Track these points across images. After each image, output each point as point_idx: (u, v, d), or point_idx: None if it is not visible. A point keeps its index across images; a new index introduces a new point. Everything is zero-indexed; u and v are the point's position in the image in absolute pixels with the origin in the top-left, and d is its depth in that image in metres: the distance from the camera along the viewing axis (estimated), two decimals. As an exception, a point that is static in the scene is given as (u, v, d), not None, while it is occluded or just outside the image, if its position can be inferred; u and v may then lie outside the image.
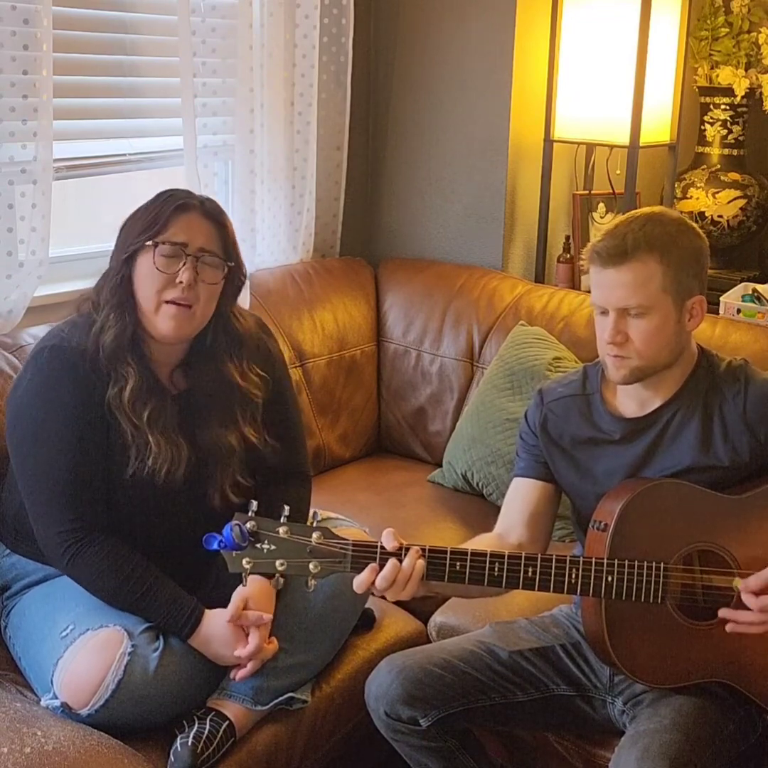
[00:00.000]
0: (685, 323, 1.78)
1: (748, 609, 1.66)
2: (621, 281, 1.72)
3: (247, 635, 1.85)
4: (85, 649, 1.78)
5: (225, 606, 1.86)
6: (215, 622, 1.85)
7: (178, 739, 1.78)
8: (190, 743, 1.76)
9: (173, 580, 1.88)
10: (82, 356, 1.86)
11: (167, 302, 1.85)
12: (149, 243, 1.84)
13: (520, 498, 1.93)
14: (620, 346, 1.74)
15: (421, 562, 1.64)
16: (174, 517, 1.94)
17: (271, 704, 1.89)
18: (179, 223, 1.85)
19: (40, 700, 1.81)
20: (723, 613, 1.69)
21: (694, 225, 1.81)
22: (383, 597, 1.65)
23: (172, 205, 1.86)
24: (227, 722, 1.83)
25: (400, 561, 1.63)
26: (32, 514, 1.89)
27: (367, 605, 2.13)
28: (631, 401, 1.84)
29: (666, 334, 1.76)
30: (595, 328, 2.80)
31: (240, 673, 1.86)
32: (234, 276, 1.95)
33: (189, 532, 1.84)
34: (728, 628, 1.69)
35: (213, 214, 1.91)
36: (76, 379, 1.85)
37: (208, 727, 1.80)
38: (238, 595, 1.85)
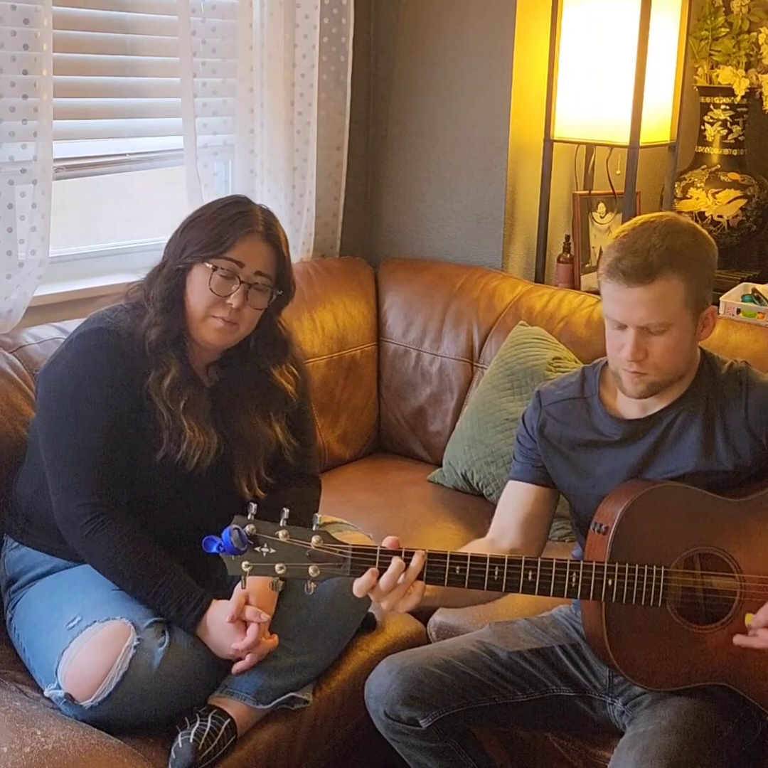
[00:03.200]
0: (699, 334, 1.77)
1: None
2: (645, 300, 1.68)
3: (246, 629, 1.85)
4: (91, 641, 1.79)
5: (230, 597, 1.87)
6: (217, 613, 1.86)
7: (180, 735, 1.78)
8: (191, 739, 1.76)
9: (185, 568, 1.89)
10: (127, 340, 1.91)
11: (214, 316, 1.92)
12: (208, 265, 1.89)
13: (515, 501, 1.93)
14: (640, 362, 1.72)
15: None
16: (195, 504, 1.96)
17: (273, 703, 1.90)
18: (241, 246, 1.90)
19: (43, 691, 1.82)
20: (738, 640, 1.70)
21: (705, 231, 1.78)
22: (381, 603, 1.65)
23: (238, 228, 1.91)
24: (229, 720, 1.83)
25: (404, 561, 1.62)
26: (55, 486, 1.91)
27: (369, 609, 2.13)
28: (632, 404, 1.83)
29: (684, 348, 1.75)
30: (592, 329, 2.80)
31: (238, 666, 1.86)
32: (284, 295, 2.01)
33: (207, 520, 1.84)
34: (743, 643, 1.71)
35: (274, 240, 1.95)
36: (117, 362, 1.90)
37: (209, 724, 1.80)
38: (239, 591, 1.86)
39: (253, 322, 1.98)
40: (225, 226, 1.91)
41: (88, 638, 1.80)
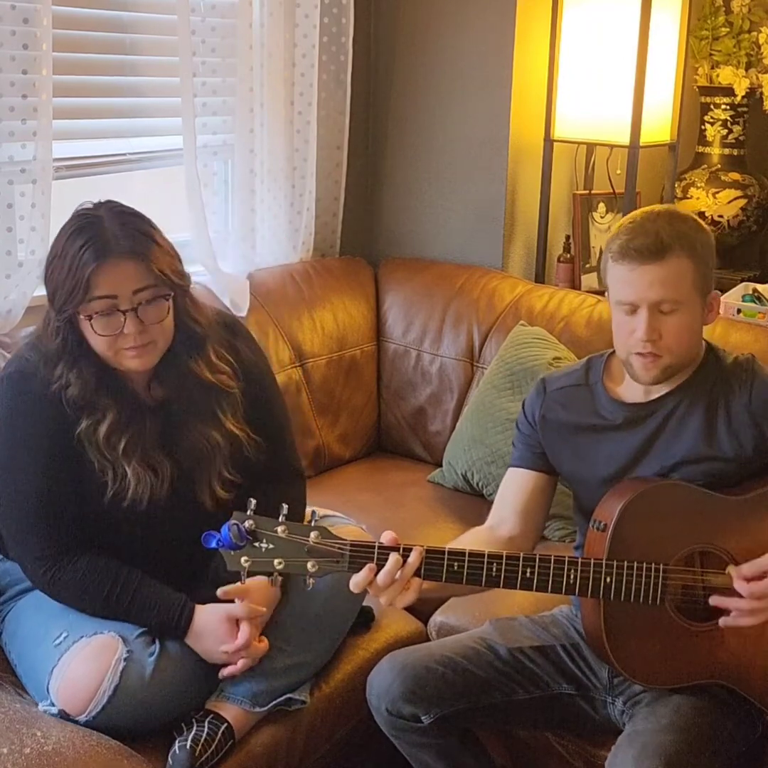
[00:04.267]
0: (705, 318, 1.80)
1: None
2: (659, 277, 1.71)
3: (237, 633, 1.84)
4: (79, 657, 1.78)
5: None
6: (206, 617, 1.84)
7: (177, 742, 1.77)
8: (188, 746, 1.75)
9: (165, 584, 1.86)
10: (47, 385, 1.81)
11: (124, 349, 1.79)
12: (82, 316, 1.76)
13: (514, 488, 1.94)
14: (654, 343, 1.74)
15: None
16: (162, 528, 1.91)
17: (270, 705, 1.89)
18: (101, 277, 1.74)
19: (37, 705, 1.81)
20: (713, 600, 1.69)
21: (703, 222, 1.84)
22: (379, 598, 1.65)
23: (89, 262, 1.73)
24: (226, 724, 1.83)
25: (402, 557, 1.62)
26: (7, 541, 1.89)
27: (366, 603, 2.12)
28: (635, 389, 1.84)
29: (694, 329, 1.78)
30: (592, 329, 2.80)
31: (228, 670, 1.85)
32: (178, 293, 1.85)
33: (180, 537, 1.84)
34: (721, 622, 1.69)
35: (132, 253, 1.76)
36: (42, 409, 1.81)
37: (206, 729, 1.80)
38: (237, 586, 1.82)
39: (168, 331, 1.83)
40: (77, 266, 1.73)
41: (77, 654, 1.78)
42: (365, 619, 2.14)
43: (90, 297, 1.74)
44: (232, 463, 1.94)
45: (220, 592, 1.80)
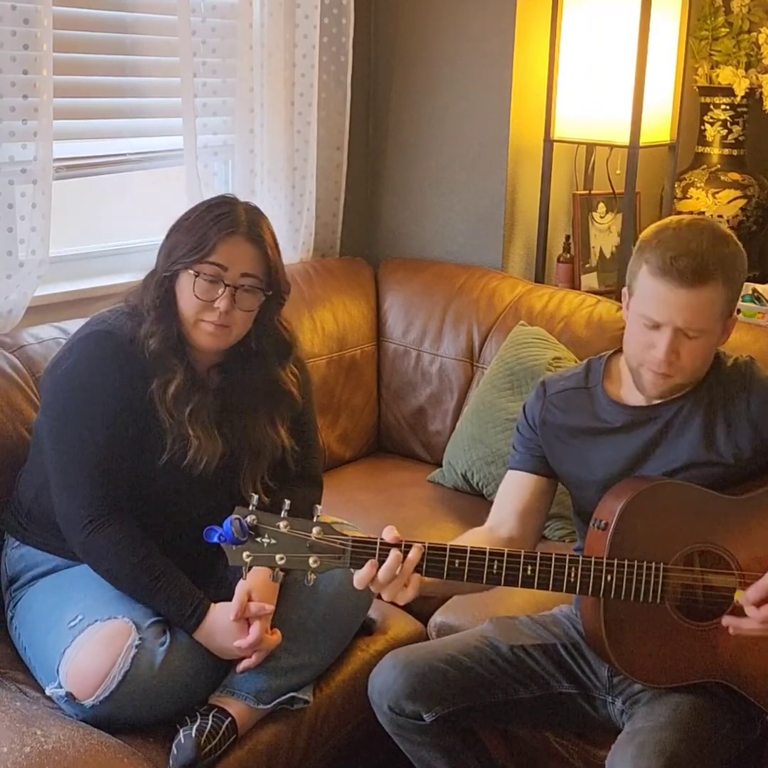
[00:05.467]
0: (720, 339, 1.78)
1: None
2: (692, 303, 1.68)
3: (249, 627, 1.86)
4: (92, 640, 1.79)
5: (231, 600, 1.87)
6: (219, 616, 1.86)
7: (181, 731, 1.78)
8: (193, 735, 1.77)
9: (185, 571, 1.89)
10: (129, 344, 1.91)
11: (204, 321, 1.91)
12: (191, 272, 1.88)
13: (514, 491, 1.94)
14: (671, 364, 1.73)
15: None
16: (197, 505, 1.96)
17: (273, 703, 1.90)
18: (223, 246, 1.88)
19: (44, 691, 1.82)
20: (726, 620, 1.70)
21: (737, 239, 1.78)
22: (381, 597, 1.65)
23: (219, 230, 1.88)
24: (230, 719, 1.84)
25: (402, 553, 1.63)
26: (57, 488, 1.91)
27: (370, 614, 2.13)
28: (636, 393, 1.84)
29: (709, 353, 1.77)
30: (592, 329, 2.80)
31: (243, 665, 1.87)
32: (275, 295, 1.98)
33: (209, 520, 1.84)
34: (732, 632, 1.70)
35: (257, 239, 1.92)
36: (121, 364, 1.90)
37: (210, 722, 1.81)
38: (241, 589, 1.86)
39: (247, 324, 1.96)
40: (206, 230, 1.89)
41: (90, 637, 1.80)
42: (367, 629, 2.15)
43: (207, 259, 1.88)
44: (275, 469, 2.04)
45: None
